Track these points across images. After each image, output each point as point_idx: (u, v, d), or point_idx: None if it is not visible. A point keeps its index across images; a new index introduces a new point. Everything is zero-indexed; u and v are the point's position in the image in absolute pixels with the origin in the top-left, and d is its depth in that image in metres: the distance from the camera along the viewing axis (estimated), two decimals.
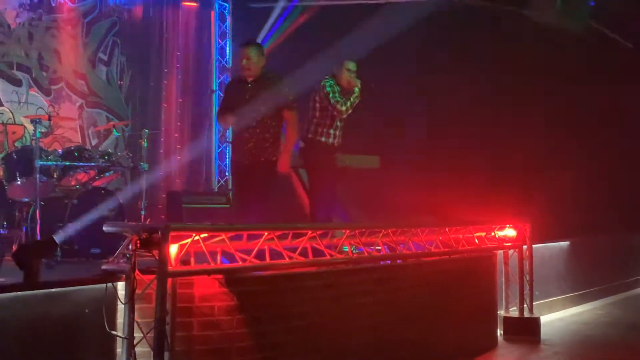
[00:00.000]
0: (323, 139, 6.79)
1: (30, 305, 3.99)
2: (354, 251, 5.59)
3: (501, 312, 7.12)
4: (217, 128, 10.92)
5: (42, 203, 6.44)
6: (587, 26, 9.24)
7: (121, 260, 4.34)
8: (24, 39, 8.98)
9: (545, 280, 7.98)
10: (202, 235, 4.40)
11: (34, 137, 6.65)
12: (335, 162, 7.01)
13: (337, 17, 9.99)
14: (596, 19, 9.48)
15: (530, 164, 9.31)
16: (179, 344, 4.28)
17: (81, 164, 6.96)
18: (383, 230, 5.64)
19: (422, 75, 9.58)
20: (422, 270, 6.04)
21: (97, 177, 7.26)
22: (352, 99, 6.67)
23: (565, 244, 8.82)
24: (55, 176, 6.88)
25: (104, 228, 4.43)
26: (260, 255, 4.72)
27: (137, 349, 4.13)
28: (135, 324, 4.15)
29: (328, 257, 5.16)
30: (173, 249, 4.22)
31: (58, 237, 5.35)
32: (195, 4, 10.94)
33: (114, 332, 4.20)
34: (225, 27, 11.16)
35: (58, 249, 5.92)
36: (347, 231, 5.41)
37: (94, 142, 9.51)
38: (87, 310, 4.15)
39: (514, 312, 7.18)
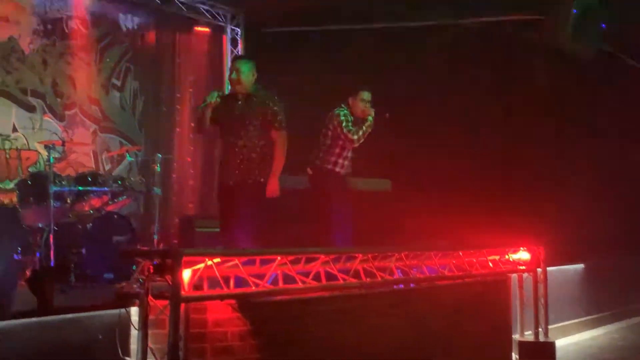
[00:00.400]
0: (330, 167, 6.86)
1: (44, 331, 3.99)
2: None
3: (516, 337, 7.05)
4: None
5: (56, 228, 6.47)
6: (599, 49, 9.24)
7: (134, 286, 4.34)
8: (38, 65, 9.07)
9: (560, 304, 7.91)
10: (215, 260, 4.40)
11: (47, 163, 6.70)
12: (346, 188, 7.00)
13: (349, 41, 10.05)
14: (608, 41, 9.48)
15: (544, 187, 9.28)
16: None
17: (95, 189, 7.01)
18: (396, 254, 5.61)
19: (435, 98, 9.60)
20: (436, 294, 6.00)
21: (110, 202, 7.30)
22: (364, 128, 6.75)
23: (579, 266, 8.76)
24: (68, 201, 6.92)
25: (118, 253, 4.44)
26: (273, 280, 4.71)
27: None
28: (149, 350, 4.13)
29: (341, 281, 5.14)
30: (186, 274, 4.21)
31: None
32: (207, 29, 11.03)
33: (127, 359, 4.19)
34: (238, 51, 11.23)
35: (71, 274, 5.93)
36: (360, 255, 5.39)
37: (107, 167, 9.55)
38: (100, 336, 4.15)
39: (529, 336, 7.11)
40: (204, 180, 10.48)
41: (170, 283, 4.09)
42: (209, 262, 4.35)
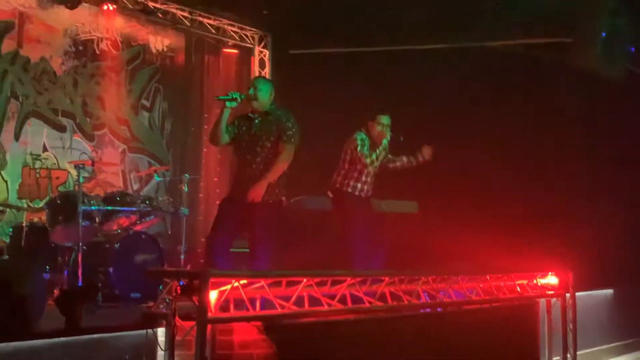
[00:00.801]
0: (349, 190, 6.89)
1: (72, 351, 4.01)
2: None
3: None
4: None
5: (84, 247, 6.53)
6: (627, 71, 9.17)
7: (161, 306, 4.36)
8: (69, 86, 9.22)
9: (589, 329, 7.79)
10: (241, 282, 4.41)
11: (77, 182, 6.77)
12: (368, 210, 7.00)
13: (376, 63, 10.07)
14: (636, 63, 9.40)
15: (573, 210, 9.18)
16: None
17: (123, 208, 7.06)
18: (423, 278, 5.58)
19: (461, 120, 9.56)
20: (463, 318, 5.95)
21: (138, 222, 7.35)
22: (377, 152, 6.80)
23: (609, 292, 8.64)
24: (97, 221, 6.97)
25: (145, 273, 4.46)
26: (299, 302, 4.70)
27: None
28: None
29: (367, 304, 5.11)
30: (213, 296, 4.23)
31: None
32: (235, 51, 11.14)
33: None
34: (265, 73, 11.31)
35: (99, 294, 5.97)
36: (387, 278, 5.36)
37: (135, 187, 9.64)
38: (127, 357, 4.16)
39: None
40: None
41: (197, 304, 4.10)
42: (236, 284, 4.36)
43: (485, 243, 7.93)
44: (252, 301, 4.48)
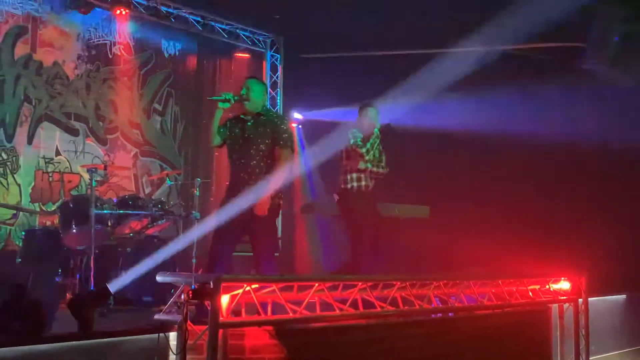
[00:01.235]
0: (355, 185, 6.89)
1: (84, 355, 4.03)
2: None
3: None
4: None
5: (97, 251, 6.53)
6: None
7: (173, 310, 4.37)
8: (82, 90, 9.26)
9: (601, 335, 7.75)
10: (253, 286, 4.41)
11: (89, 186, 6.78)
12: (373, 210, 7.00)
13: (387, 66, 10.06)
14: None
15: (586, 216, 9.13)
16: None
17: (135, 212, 7.07)
18: (434, 282, 5.57)
19: (474, 125, 9.53)
20: (474, 323, 5.93)
21: (150, 226, 7.36)
22: (371, 140, 6.85)
23: (621, 297, 8.59)
24: (109, 224, 6.99)
25: (157, 278, 4.47)
26: (310, 306, 4.70)
27: None
28: None
29: (379, 309, 5.11)
30: (224, 300, 4.24)
31: (112, 286, 5.38)
32: (247, 55, 11.17)
33: None
34: (277, 77, 11.34)
35: (111, 298, 5.98)
36: (398, 283, 5.35)
37: (147, 191, 9.67)
38: None
39: None
40: None
41: (209, 308, 4.11)
42: (247, 288, 4.36)
43: (498, 248, 7.91)
44: (264, 305, 4.48)
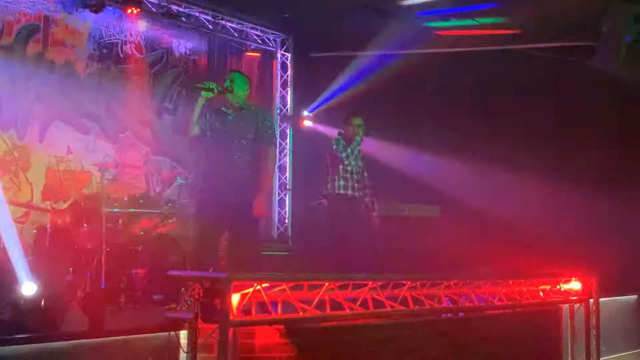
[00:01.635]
0: (335, 191, 7.16)
1: (95, 353, 4.05)
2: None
3: None
4: (277, 174, 11.02)
5: (108, 249, 6.55)
6: None
7: (184, 309, 4.38)
8: (93, 89, 9.27)
9: (612, 336, 7.73)
10: (263, 285, 4.42)
11: (100, 185, 6.80)
12: (351, 209, 7.18)
13: (398, 66, 10.05)
14: None
15: (597, 215, 9.10)
16: None
17: (146, 211, 7.09)
18: (445, 282, 5.57)
19: (483, 124, 9.52)
20: (485, 323, 5.92)
21: (160, 224, 7.38)
22: (352, 147, 7.17)
23: (632, 297, 8.56)
24: (120, 223, 7.02)
25: (169, 275, 4.48)
26: (320, 305, 4.70)
27: None
28: None
29: (389, 308, 5.11)
30: (235, 299, 4.24)
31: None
32: (258, 54, 11.17)
33: None
34: (287, 76, 11.34)
35: (122, 296, 6.00)
36: (408, 283, 5.35)
37: (158, 189, 9.68)
38: (150, 359, 4.18)
39: None
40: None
41: (220, 307, 4.12)
42: (258, 287, 4.37)
43: (508, 248, 7.89)
44: (274, 304, 4.49)
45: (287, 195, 11.04)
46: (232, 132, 5.58)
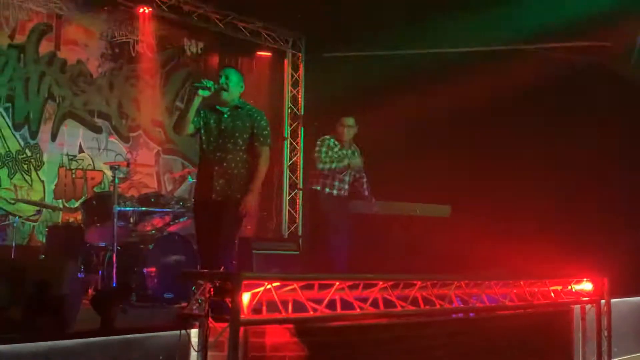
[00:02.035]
0: (320, 188, 7.08)
1: (107, 351, 4.05)
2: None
3: None
4: (287, 174, 11.04)
5: (119, 248, 6.58)
6: None
7: (194, 307, 4.39)
8: (105, 88, 9.33)
9: (624, 337, 7.68)
10: (274, 284, 4.42)
11: (112, 183, 6.84)
12: (337, 210, 7.11)
13: (409, 65, 10.04)
14: None
15: (608, 215, 9.06)
16: None
17: (157, 209, 7.12)
18: (455, 282, 5.54)
19: (495, 124, 9.49)
20: (495, 324, 5.89)
21: (172, 223, 7.40)
22: (339, 152, 7.09)
23: None
24: (131, 221, 7.05)
25: (179, 274, 4.49)
26: (331, 305, 4.70)
27: None
28: None
29: (399, 308, 5.10)
30: (245, 298, 4.25)
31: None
32: (269, 53, 11.19)
33: None
34: (298, 75, 11.35)
35: (133, 294, 6.02)
36: (419, 283, 5.34)
37: (169, 188, 9.73)
38: (161, 357, 4.20)
39: None
40: (261, 202, 10.57)
41: (231, 306, 4.13)
42: (268, 286, 4.37)
43: (519, 248, 7.87)
44: (285, 304, 4.49)
45: (298, 195, 11.04)
46: (228, 131, 5.51)
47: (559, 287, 6.60)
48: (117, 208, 6.60)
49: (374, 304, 4.94)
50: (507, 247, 7.94)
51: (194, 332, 4.32)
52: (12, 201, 8.26)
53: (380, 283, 5.01)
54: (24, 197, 8.30)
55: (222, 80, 5.55)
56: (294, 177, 11.11)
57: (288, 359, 4.46)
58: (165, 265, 6.74)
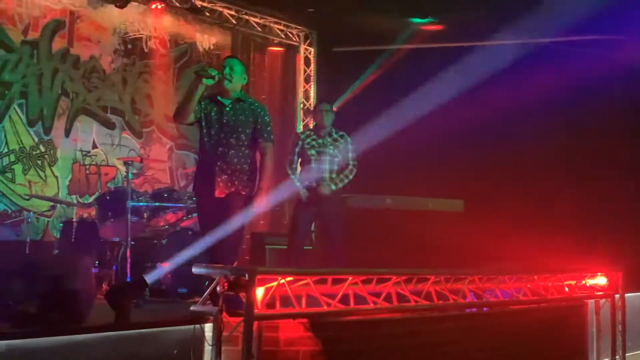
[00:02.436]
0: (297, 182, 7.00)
1: (121, 345, 4.08)
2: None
3: None
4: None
5: (133, 243, 6.61)
6: None
7: (208, 302, 4.40)
8: (118, 84, 9.36)
9: (638, 331, 7.64)
10: (287, 279, 4.43)
11: (125, 179, 6.86)
12: (312, 201, 6.95)
13: (422, 60, 10.02)
14: None
15: (622, 209, 9.02)
16: None
17: (170, 205, 7.14)
18: (469, 277, 5.53)
19: (508, 118, 9.46)
20: (509, 319, 5.88)
21: (185, 218, 7.44)
22: (315, 140, 6.97)
23: None
24: (145, 217, 7.08)
25: (193, 269, 4.50)
26: (344, 299, 4.70)
27: None
28: None
29: (413, 303, 5.09)
30: (259, 292, 4.26)
31: (149, 278, 5.42)
32: (281, 49, 11.19)
33: None
34: (310, 70, 11.34)
35: (147, 289, 6.04)
36: (432, 277, 5.33)
37: (182, 184, 9.75)
38: (175, 352, 4.22)
39: None
40: (274, 196, 10.57)
41: (244, 300, 4.14)
42: (282, 281, 4.38)
43: (533, 242, 7.84)
44: (298, 298, 4.49)
45: None
46: (231, 125, 5.38)
47: (573, 282, 6.58)
48: (130, 203, 6.63)
49: (387, 298, 4.93)
50: (521, 241, 7.92)
51: (207, 327, 4.33)
52: (27, 197, 8.30)
53: (394, 277, 5.01)
54: (38, 193, 8.34)
55: (226, 70, 5.39)
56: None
57: (302, 354, 4.47)
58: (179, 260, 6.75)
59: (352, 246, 7.15)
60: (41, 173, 8.55)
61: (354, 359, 4.71)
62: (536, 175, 9.23)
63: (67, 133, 8.83)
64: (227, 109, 5.40)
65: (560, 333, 6.28)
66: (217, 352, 4.18)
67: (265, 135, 5.45)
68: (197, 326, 4.27)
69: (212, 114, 5.40)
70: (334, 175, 6.95)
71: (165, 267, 6.25)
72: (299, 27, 11.18)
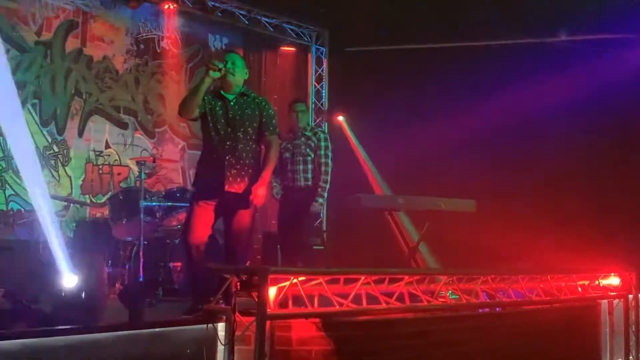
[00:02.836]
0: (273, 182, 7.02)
1: (135, 344, 4.09)
2: (451, 296, 5.50)
3: None
4: None
5: (145, 242, 6.62)
6: None
7: (221, 302, 4.41)
8: (131, 84, 9.40)
9: None
10: (299, 279, 4.43)
11: (138, 178, 6.88)
12: (283, 199, 7.05)
13: (433, 60, 10.00)
14: None
15: (636, 209, 8.96)
16: None
17: (183, 204, 7.15)
18: (482, 277, 5.52)
19: (521, 117, 9.42)
20: (522, 319, 5.86)
21: None
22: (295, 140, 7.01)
23: None
24: (158, 216, 7.09)
25: (206, 268, 4.51)
26: (356, 299, 4.70)
27: None
28: None
29: (425, 303, 5.08)
30: (272, 292, 4.26)
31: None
32: (293, 49, 11.20)
33: None
34: (322, 70, 11.35)
35: (160, 288, 6.07)
36: (445, 277, 5.32)
37: None
38: (188, 351, 4.23)
39: None
40: None
41: (257, 300, 4.14)
42: (294, 280, 4.38)
43: (546, 242, 7.81)
44: (310, 298, 4.50)
45: None
46: (237, 119, 5.36)
47: (587, 282, 6.55)
48: (143, 203, 6.63)
49: (400, 298, 4.93)
50: (534, 241, 7.89)
51: (220, 326, 4.35)
52: None
53: (406, 277, 5.00)
54: (52, 193, 8.38)
55: (229, 65, 5.36)
56: None
57: (314, 353, 4.47)
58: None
59: (364, 245, 7.16)
60: (54, 173, 8.60)
61: (366, 358, 4.71)
62: (549, 175, 9.19)
63: (80, 133, 8.88)
64: (232, 103, 5.40)
65: (573, 333, 6.26)
66: (230, 351, 4.19)
67: (271, 128, 5.48)
68: (210, 325, 4.28)
69: (217, 108, 5.39)
70: (308, 175, 6.99)
71: None
72: (311, 27, 11.18)
